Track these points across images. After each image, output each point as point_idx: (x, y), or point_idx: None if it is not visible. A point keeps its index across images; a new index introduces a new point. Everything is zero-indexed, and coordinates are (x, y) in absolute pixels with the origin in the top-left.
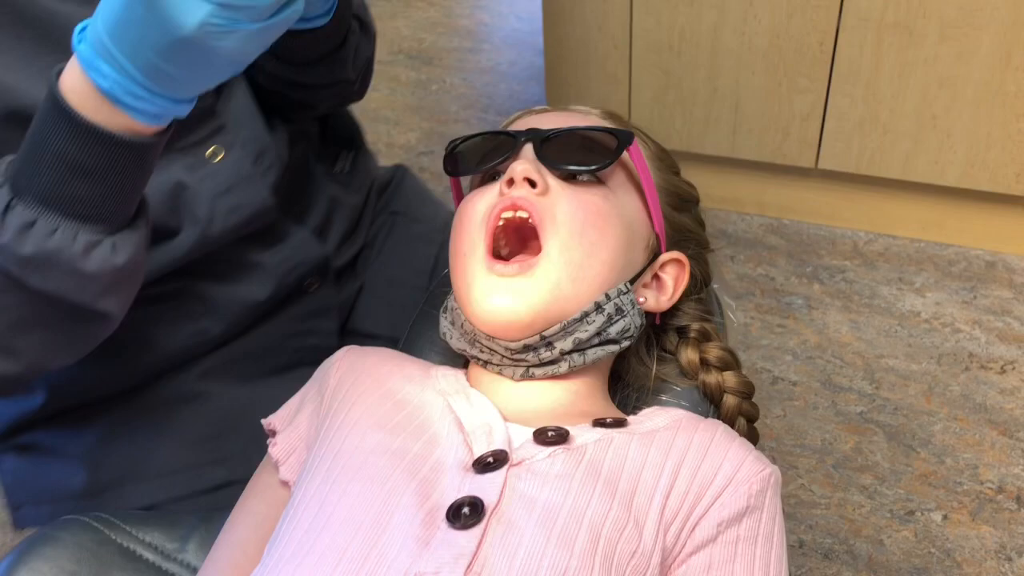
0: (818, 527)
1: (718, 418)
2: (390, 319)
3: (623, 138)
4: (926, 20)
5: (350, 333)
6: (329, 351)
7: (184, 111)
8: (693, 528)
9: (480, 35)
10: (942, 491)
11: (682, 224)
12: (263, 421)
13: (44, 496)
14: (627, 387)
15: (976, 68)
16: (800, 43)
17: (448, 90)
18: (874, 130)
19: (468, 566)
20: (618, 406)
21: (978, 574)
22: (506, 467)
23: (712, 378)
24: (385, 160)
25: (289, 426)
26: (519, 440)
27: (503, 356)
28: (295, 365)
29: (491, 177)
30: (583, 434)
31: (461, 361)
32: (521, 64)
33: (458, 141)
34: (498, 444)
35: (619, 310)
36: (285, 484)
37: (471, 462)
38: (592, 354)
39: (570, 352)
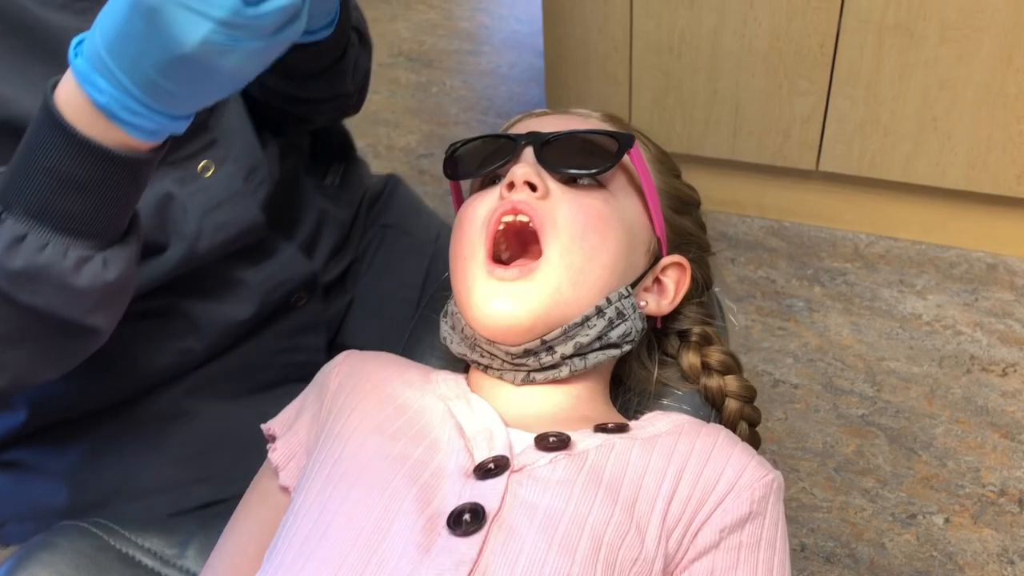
0: (820, 530)
1: (720, 422)
2: (380, 333)
3: (624, 141)
4: (927, 22)
5: (339, 348)
6: (317, 368)
7: (181, 127)
8: (696, 534)
9: (480, 37)
10: (944, 494)
11: (683, 227)
12: (262, 426)
13: (28, 514)
14: (628, 391)
15: (977, 70)
16: (800, 45)
17: (448, 92)
18: (875, 132)
19: (469, 573)
20: (619, 410)
21: None
22: (507, 473)
23: (714, 382)
24: (385, 162)
25: (289, 431)
26: (520, 446)
27: (504, 361)
28: (282, 382)
29: (491, 181)
30: (585, 440)
31: (461, 366)
32: (521, 66)
33: (458, 145)
34: (499, 450)
35: (620, 314)
36: (285, 490)
37: (472, 468)
38: (593, 358)
39: (571, 356)
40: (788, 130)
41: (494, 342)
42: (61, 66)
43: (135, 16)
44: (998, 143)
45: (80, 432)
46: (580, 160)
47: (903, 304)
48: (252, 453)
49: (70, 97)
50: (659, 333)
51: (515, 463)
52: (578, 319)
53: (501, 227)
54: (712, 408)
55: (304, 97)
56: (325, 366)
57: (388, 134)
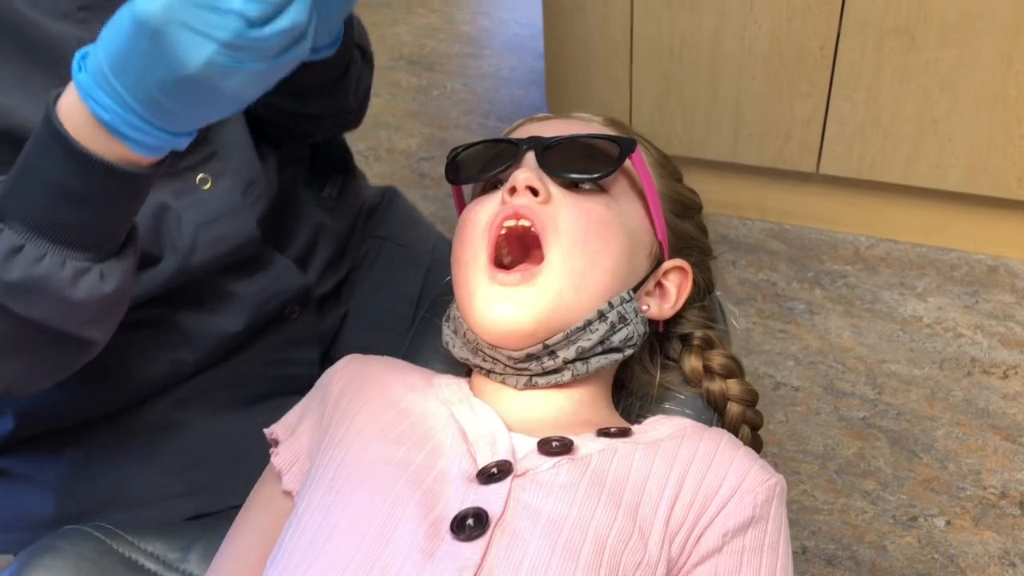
0: (821, 533)
1: (722, 426)
2: (376, 346)
3: (625, 145)
4: (927, 25)
5: (333, 362)
6: (309, 380)
7: (183, 144)
8: (699, 538)
9: (481, 40)
10: (945, 496)
11: (685, 231)
12: (265, 431)
13: (15, 524)
14: (631, 395)
15: (977, 72)
16: (801, 48)
17: (449, 95)
18: (875, 135)
19: None
20: (622, 414)
21: None
22: (510, 478)
23: (716, 386)
24: (386, 165)
25: (291, 436)
26: (523, 450)
27: (506, 365)
28: (274, 394)
29: (493, 185)
30: (587, 444)
31: (464, 370)
32: (522, 69)
33: (460, 149)
34: (502, 454)
35: (622, 318)
36: (288, 494)
37: (475, 473)
38: (595, 363)
39: (573, 361)
40: (789, 133)
41: (496, 347)
42: (61, 75)
43: (139, 36)
44: (998, 145)
45: (70, 442)
46: (582, 165)
47: (904, 306)
48: (243, 466)
49: (72, 111)
50: (661, 337)
51: (518, 468)
52: (580, 323)
53: (503, 232)
54: (714, 412)
55: (306, 113)
56: (328, 370)
57: (389, 137)
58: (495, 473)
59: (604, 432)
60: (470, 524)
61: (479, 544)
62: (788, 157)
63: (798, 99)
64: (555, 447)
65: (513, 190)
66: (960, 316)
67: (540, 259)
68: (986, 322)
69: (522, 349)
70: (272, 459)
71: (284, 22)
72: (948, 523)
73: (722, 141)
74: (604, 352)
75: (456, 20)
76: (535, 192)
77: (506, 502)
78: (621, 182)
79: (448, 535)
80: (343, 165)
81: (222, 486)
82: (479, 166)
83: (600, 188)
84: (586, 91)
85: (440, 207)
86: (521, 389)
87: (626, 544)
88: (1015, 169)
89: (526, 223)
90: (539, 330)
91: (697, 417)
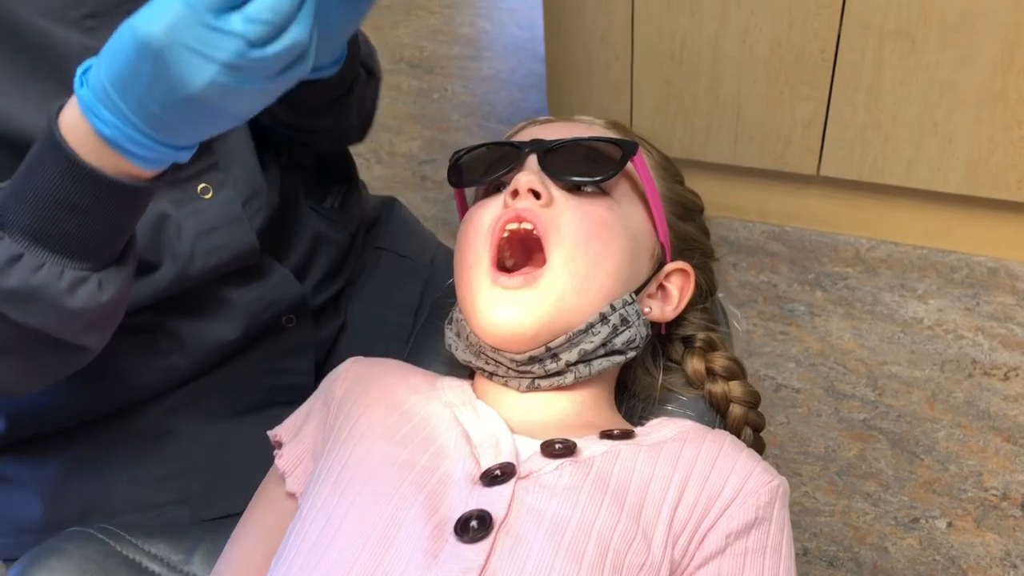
0: (822, 535)
1: (724, 428)
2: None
3: (627, 148)
4: (927, 27)
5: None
6: (304, 391)
7: (185, 157)
8: (702, 540)
9: (481, 43)
10: (946, 498)
11: (687, 233)
12: (269, 433)
13: (2, 527)
14: (633, 397)
15: (977, 74)
16: (801, 51)
17: (449, 98)
18: (876, 137)
19: None
20: (624, 416)
21: None
22: (514, 480)
23: (718, 388)
24: (387, 168)
25: (295, 437)
26: (526, 452)
27: (509, 368)
28: (268, 404)
29: (495, 188)
30: (590, 446)
31: (467, 372)
32: (522, 72)
33: (462, 152)
34: (505, 456)
35: (624, 321)
36: (291, 496)
37: (479, 475)
38: (598, 365)
39: (576, 363)
40: (789, 135)
41: (499, 350)
42: (65, 83)
43: (141, 56)
44: (999, 147)
45: (60, 445)
46: (584, 168)
47: (904, 308)
48: (235, 474)
49: (74, 124)
50: (663, 339)
51: (521, 470)
52: (582, 326)
53: (505, 235)
54: (716, 413)
55: (306, 127)
56: (331, 372)
57: (390, 140)
58: (499, 475)
59: (607, 434)
60: (474, 526)
61: (483, 546)
62: (789, 160)
63: (799, 102)
64: (558, 449)
65: (515, 193)
66: (961, 318)
67: (542, 262)
68: (987, 324)
69: (524, 352)
70: (276, 461)
71: (285, 42)
72: (949, 525)
73: (723, 144)
74: (606, 354)
75: (456, 22)
76: (537, 195)
77: (510, 504)
78: (623, 185)
79: (452, 537)
80: (346, 176)
81: (214, 494)
82: (481, 169)
83: (602, 191)
84: (587, 94)
85: (441, 210)
86: (524, 391)
87: (629, 546)
88: (1016, 171)
89: (528, 226)
90: (541, 333)
91: (699, 419)
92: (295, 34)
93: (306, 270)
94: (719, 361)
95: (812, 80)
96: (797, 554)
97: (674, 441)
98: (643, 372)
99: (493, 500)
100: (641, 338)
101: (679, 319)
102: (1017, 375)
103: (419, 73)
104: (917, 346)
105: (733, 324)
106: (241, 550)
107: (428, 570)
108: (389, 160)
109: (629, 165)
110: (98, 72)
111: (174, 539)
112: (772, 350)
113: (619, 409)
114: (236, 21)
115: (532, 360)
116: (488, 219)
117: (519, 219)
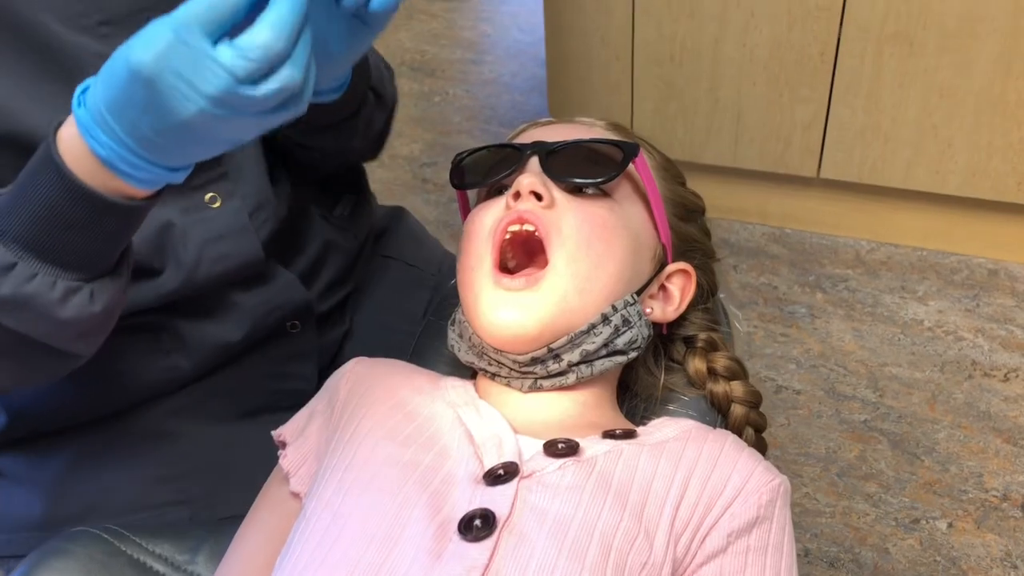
0: (823, 536)
1: (726, 428)
2: None
3: (629, 150)
4: (926, 30)
5: None
6: (305, 396)
7: (180, 178)
8: (703, 539)
9: (482, 46)
10: (947, 499)
11: (688, 234)
12: (272, 433)
13: (2, 525)
14: (635, 397)
15: (976, 77)
16: (801, 53)
17: (451, 101)
18: (875, 139)
19: None
20: (626, 416)
21: None
22: (517, 479)
23: (720, 388)
24: (388, 171)
25: (299, 438)
26: (529, 452)
27: (511, 368)
28: (269, 408)
29: (498, 190)
30: (593, 446)
31: (469, 372)
32: (523, 75)
33: (464, 154)
34: (508, 456)
35: (626, 321)
36: (295, 496)
37: (482, 474)
38: (600, 365)
39: (578, 364)
40: (789, 137)
41: (501, 351)
42: (69, 84)
43: (133, 83)
44: (998, 150)
45: (61, 444)
46: (585, 169)
47: (905, 310)
48: (236, 477)
49: (71, 143)
50: (665, 339)
51: (524, 469)
52: (584, 327)
53: (507, 236)
54: (718, 413)
55: (309, 145)
56: (335, 372)
57: (391, 143)
58: (502, 475)
59: (609, 434)
60: (477, 525)
61: (486, 545)
62: (789, 162)
63: (799, 104)
64: (561, 449)
65: (517, 195)
66: (961, 319)
67: (544, 263)
68: (987, 325)
69: (527, 353)
70: (280, 461)
71: (275, 84)
72: (950, 525)
73: (723, 146)
74: (608, 355)
75: (457, 26)
76: (539, 197)
77: (513, 503)
78: (624, 186)
79: (456, 536)
80: (356, 186)
81: (215, 496)
82: (483, 171)
83: (604, 192)
84: (588, 97)
85: (443, 212)
86: (526, 392)
87: (632, 544)
88: (1015, 173)
89: (530, 228)
90: (544, 334)
91: (701, 419)
92: (287, 76)
93: (313, 276)
94: (720, 361)
95: (812, 82)
96: (798, 555)
97: (676, 441)
98: (645, 372)
99: (496, 499)
100: (643, 338)
101: (681, 319)
102: (1017, 376)
103: (420, 76)
104: (917, 347)
105: (734, 324)
106: (245, 550)
107: (432, 569)
108: (391, 163)
109: (630, 166)
110: (95, 94)
111: (178, 539)
112: (773, 352)
113: (621, 409)
114: (225, 54)
115: (534, 361)
116: (490, 221)
117: (521, 221)
